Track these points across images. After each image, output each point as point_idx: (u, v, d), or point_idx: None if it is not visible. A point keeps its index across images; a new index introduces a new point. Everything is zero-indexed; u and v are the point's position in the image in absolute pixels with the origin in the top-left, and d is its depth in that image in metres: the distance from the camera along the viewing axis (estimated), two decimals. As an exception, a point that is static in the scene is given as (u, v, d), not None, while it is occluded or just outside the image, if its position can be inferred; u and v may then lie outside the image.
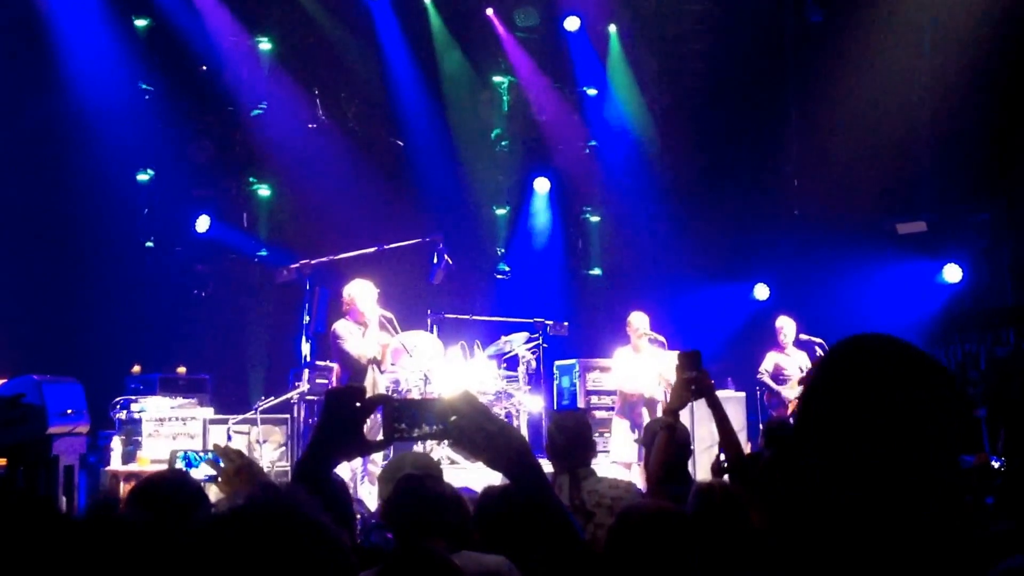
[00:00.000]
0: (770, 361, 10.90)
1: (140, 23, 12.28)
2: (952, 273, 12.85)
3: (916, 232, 12.91)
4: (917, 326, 12.19)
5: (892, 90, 12.84)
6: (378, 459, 9.08)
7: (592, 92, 14.52)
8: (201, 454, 3.18)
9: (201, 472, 3.13)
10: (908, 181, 13.20)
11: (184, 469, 3.12)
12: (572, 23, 13.91)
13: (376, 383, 8.88)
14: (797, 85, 13.83)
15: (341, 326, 8.89)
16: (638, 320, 10.16)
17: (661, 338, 10.39)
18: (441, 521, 3.38)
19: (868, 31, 12.87)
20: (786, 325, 10.95)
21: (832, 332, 11.09)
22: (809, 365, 10.75)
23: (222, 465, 3.04)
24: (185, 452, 3.17)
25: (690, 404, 4.53)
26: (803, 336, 10.92)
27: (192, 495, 3.02)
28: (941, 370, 1.57)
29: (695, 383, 4.12)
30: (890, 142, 12.80)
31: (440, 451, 9.67)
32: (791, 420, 10.24)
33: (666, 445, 4.30)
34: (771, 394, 10.84)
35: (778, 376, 10.83)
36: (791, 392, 10.71)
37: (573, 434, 4.84)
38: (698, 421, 9.72)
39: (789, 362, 10.86)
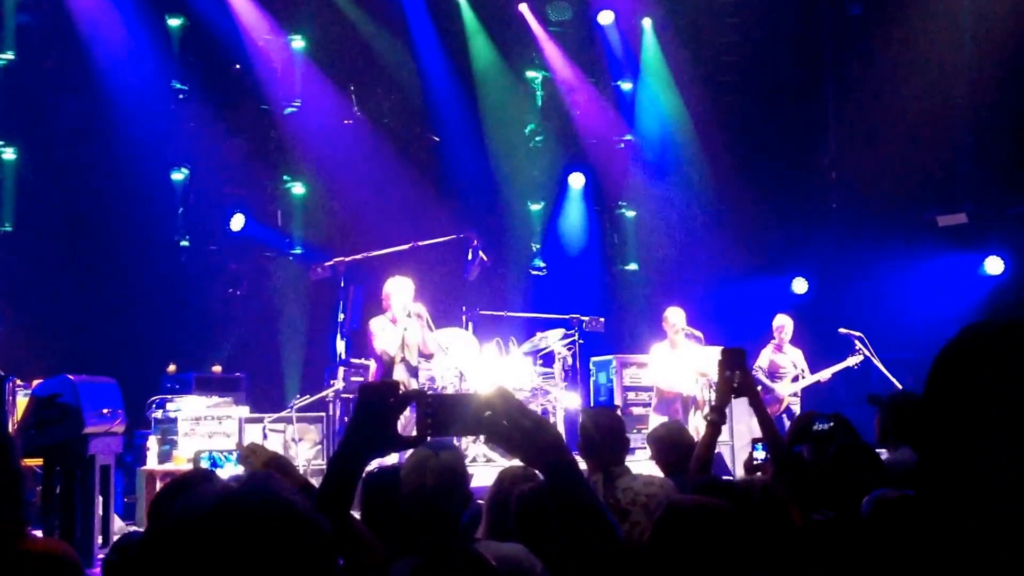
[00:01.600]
0: (765, 357, 10.86)
1: (174, 22, 12.31)
2: (994, 265, 12.62)
3: (957, 224, 12.69)
4: (959, 319, 11.93)
5: (932, 81, 12.64)
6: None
7: (627, 86, 14.40)
8: (226, 454, 3.16)
9: (227, 472, 3.10)
10: (948, 172, 12.98)
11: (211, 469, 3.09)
12: (606, 17, 13.80)
13: (411, 379, 8.83)
14: (835, 77, 13.64)
15: (375, 323, 8.87)
16: (674, 315, 10.04)
17: (698, 333, 10.26)
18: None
19: (907, 22, 12.65)
20: (786, 324, 10.87)
21: (872, 325, 10.94)
22: (803, 363, 10.73)
23: (250, 462, 3.01)
24: (210, 452, 3.15)
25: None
26: (842, 330, 10.78)
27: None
28: None
29: (737, 382, 4.04)
30: (930, 133, 12.60)
31: (476, 448, 9.61)
32: (783, 416, 10.23)
33: (710, 442, 4.27)
34: (765, 390, 10.77)
35: (774, 373, 10.79)
36: (785, 389, 10.69)
37: (607, 431, 4.77)
38: (736, 418, 9.60)
39: (784, 359, 10.82)
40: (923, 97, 12.53)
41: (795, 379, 10.76)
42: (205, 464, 3.09)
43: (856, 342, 10.52)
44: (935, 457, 1.39)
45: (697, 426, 8.87)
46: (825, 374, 10.63)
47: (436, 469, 3.03)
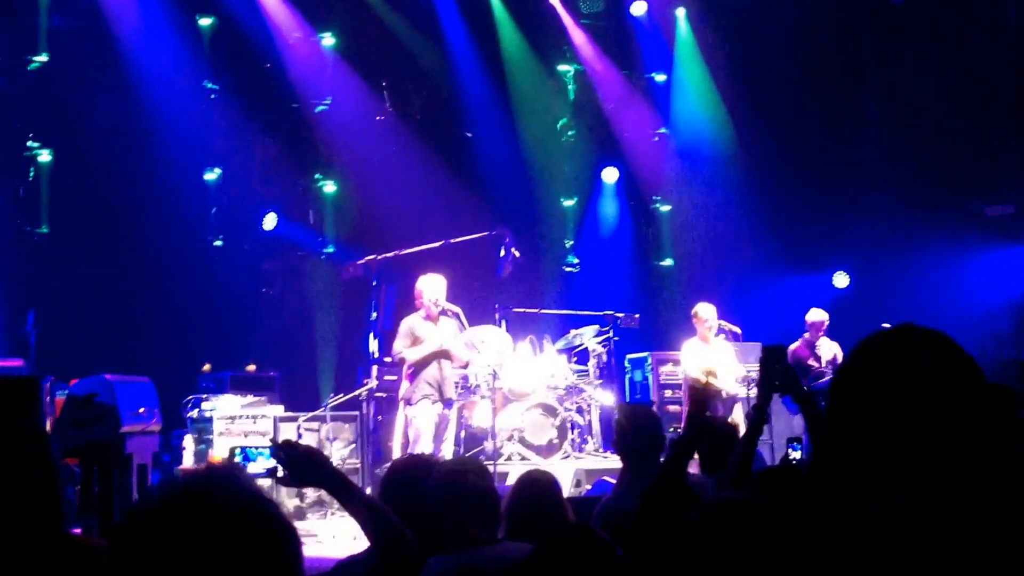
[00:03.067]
0: (791, 353, 10.64)
1: (204, 22, 12.32)
2: (1043, 257, 12.39)
3: (1004, 215, 12.47)
4: (1007, 312, 11.75)
5: (976, 69, 12.40)
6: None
7: (660, 78, 14.24)
8: (259, 449, 3.11)
9: (260, 466, 3.06)
10: (994, 163, 12.73)
11: (242, 464, 3.07)
12: (639, 8, 13.63)
13: (444, 379, 8.76)
14: (875, 66, 13.40)
15: (404, 321, 8.82)
16: (706, 311, 9.87)
17: (736, 329, 10.12)
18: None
19: (950, 11, 12.43)
20: (814, 319, 10.60)
21: (916, 320, 10.68)
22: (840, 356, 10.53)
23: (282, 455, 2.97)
24: (243, 448, 3.11)
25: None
26: (885, 325, 10.55)
27: None
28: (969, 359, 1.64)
29: (779, 380, 3.95)
30: (974, 123, 12.38)
31: (511, 447, 9.54)
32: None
33: (751, 439, 4.17)
34: None
35: (795, 368, 10.56)
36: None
37: (642, 428, 4.70)
38: (775, 415, 9.45)
39: (813, 354, 10.48)
40: (966, 86, 12.31)
41: (819, 376, 10.44)
42: (238, 459, 3.07)
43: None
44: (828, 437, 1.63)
45: (737, 425, 8.73)
46: None
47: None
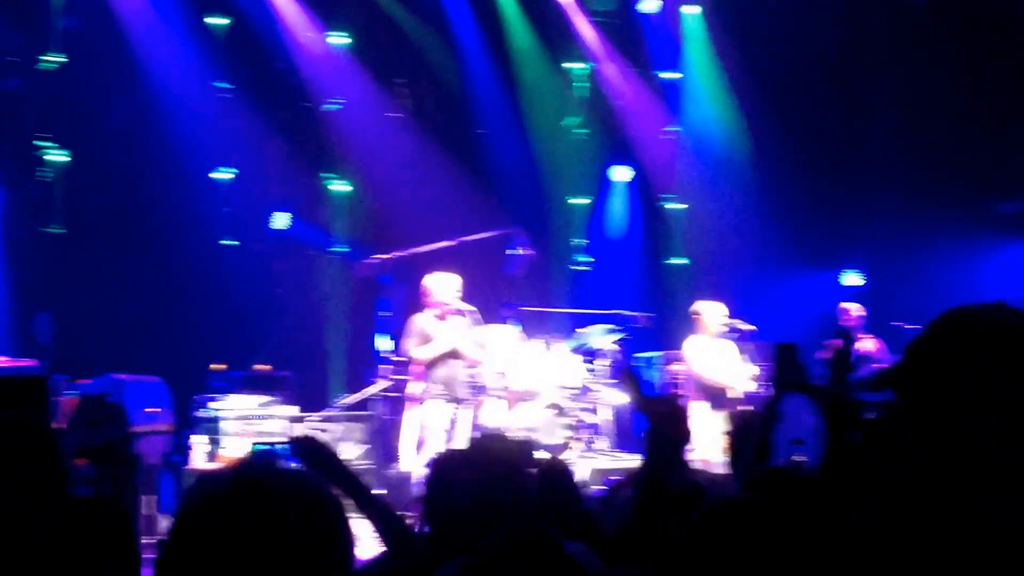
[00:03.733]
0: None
1: (217, 22, 12.35)
2: (1058, 255, 12.29)
3: (1017, 212, 12.38)
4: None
5: (988, 67, 12.30)
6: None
7: (672, 77, 14.18)
8: (274, 445, 3.13)
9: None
10: (1007, 160, 12.63)
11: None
12: (650, 5, 13.57)
13: (454, 379, 8.76)
14: (888, 64, 13.29)
15: (413, 320, 8.82)
16: (705, 309, 9.83)
17: (751, 327, 10.08)
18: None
19: (963, 9, 12.33)
20: (843, 311, 10.73)
21: (929, 317, 10.61)
22: (880, 355, 10.50)
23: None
24: (260, 444, 3.12)
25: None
26: (896, 323, 10.55)
27: None
28: None
29: (791, 377, 3.89)
30: (987, 121, 12.29)
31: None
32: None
33: (765, 436, 4.13)
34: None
35: None
36: None
37: (665, 422, 4.67)
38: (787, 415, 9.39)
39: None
40: (979, 83, 12.22)
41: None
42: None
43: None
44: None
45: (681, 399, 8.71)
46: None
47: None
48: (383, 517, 2.89)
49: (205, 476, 1.54)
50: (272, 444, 2.94)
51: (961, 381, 1.38)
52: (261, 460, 1.55)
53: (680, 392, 10.32)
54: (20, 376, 7.67)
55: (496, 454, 3.37)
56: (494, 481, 3.17)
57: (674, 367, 10.99)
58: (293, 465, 1.56)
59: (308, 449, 2.96)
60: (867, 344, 10.62)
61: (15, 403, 6.21)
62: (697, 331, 9.87)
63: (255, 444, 2.85)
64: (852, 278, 13.37)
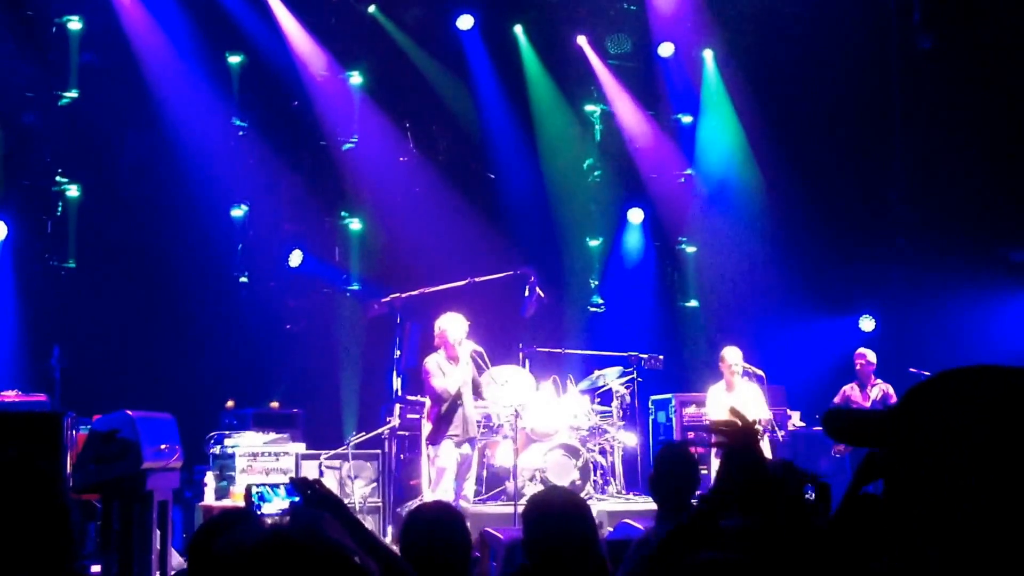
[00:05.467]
0: (841, 393, 10.65)
1: (233, 60, 12.43)
2: (1070, 304, 12.24)
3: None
4: (1034, 359, 11.57)
5: (1003, 114, 12.34)
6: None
7: (687, 119, 14.24)
8: (273, 489, 3.09)
9: (275, 506, 3.04)
10: (1021, 208, 12.63)
11: (255, 504, 3.05)
12: (666, 49, 13.65)
13: (467, 419, 8.72)
14: (902, 110, 13.34)
15: (430, 361, 8.79)
16: (731, 355, 9.80)
17: (759, 372, 10.03)
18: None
19: (978, 55, 12.38)
20: (859, 358, 10.71)
21: (943, 364, 10.53)
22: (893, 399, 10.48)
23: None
24: (260, 486, 3.09)
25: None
26: (912, 369, 10.51)
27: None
28: None
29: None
30: (1000, 167, 12.30)
31: (533, 488, 9.44)
32: (848, 456, 9.94)
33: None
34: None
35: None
36: None
37: (672, 470, 4.64)
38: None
39: (862, 395, 10.58)
40: (993, 131, 12.25)
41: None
42: (255, 500, 3.08)
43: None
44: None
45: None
46: None
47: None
48: (384, 563, 2.86)
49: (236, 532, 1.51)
50: (271, 487, 2.93)
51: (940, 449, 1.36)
52: (300, 522, 1.46)
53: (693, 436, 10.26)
54: (34, 413, 7.62)
55: (571, 497, 3.64)
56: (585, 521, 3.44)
57: (690, 410, 10.93)
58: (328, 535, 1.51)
59: (309, 489, 2.95)
60: (884, 388, 10.58)
61: (27, 439, 6.17)
62: (723, 376, 9.84)
63: (252, 487, 2.82)
64: (866, 323, 13.33)
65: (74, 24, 11.51)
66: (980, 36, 12.41)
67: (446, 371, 8.70)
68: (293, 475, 8.49)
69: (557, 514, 3.45)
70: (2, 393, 8.67)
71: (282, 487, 3.14)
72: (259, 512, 3.05)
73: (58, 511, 2.52)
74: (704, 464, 10.09)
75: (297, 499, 2.97)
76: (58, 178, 11.54)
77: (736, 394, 9.64)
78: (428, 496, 8.60)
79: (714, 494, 3.13)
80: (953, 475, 1.35)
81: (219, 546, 1.49)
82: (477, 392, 9.05)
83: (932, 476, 1.37)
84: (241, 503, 8.40)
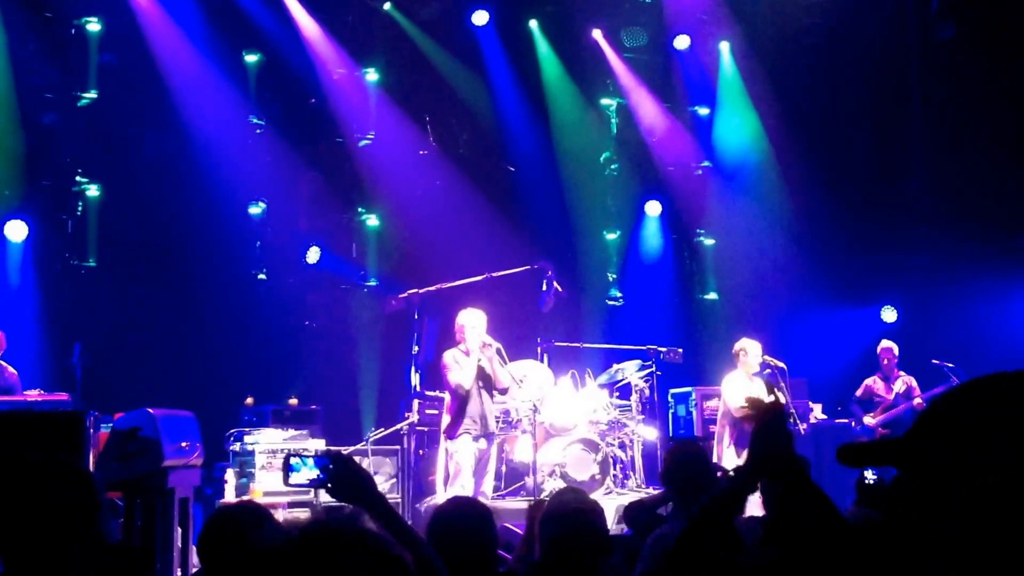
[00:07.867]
0: (863, 385, 10.60)
1: (250, 58, 12.48)
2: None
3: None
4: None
5: (1022, 103, 12.23)
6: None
7: (704, 112, 14.19)
8: (302, 460, 3.04)
9: (303, 476, 3.01)
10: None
11: (286, 473, 3.03)
12: (682, 41, 13.60)
13: (485, 413, 8.72)
14: (923, 100, 13.23)
15: (449, 355, 8.79)
16: (751, 347, 9.73)
17: (782, 364, 9.97)
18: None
19: (999, 45, 12.26)
20: (883, 350, 10.64)
21: (965, 355, 10.53)
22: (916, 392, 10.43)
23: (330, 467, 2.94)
24: (292, 455, 3.05)
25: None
26: (935, 361, 10.46)
27: (260, 521, 3.24)
28: None
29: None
30: (1021, 157, 12.18)
31: (553, 483, 9.44)
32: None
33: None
34: (856, 421, 10.56)
35: (868, 401, 10.60)
36: (871, 420, 10.45)
37: (685, 465, 4.64)
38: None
39: (885, 387, 10.54)
40: (1014, 120, 12.14)
41: (885, 409, 10.44)
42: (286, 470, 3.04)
43: (950, 375, 10.17)
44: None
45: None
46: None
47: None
48: (411, 546, 2.85)
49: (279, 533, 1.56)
50: (300, 457, 2.90)
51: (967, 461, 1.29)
52: (339, 518, 1.51)
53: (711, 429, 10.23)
54: (57, 412, 7.67)
55: (583, 498, 3.71)
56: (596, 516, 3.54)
57: (711, 403, 10.89)
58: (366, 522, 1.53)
59: (337, 463, 2.91)
60: (908, 381, 10.51)
61: (51, 439, 6.21)
62: (737, 367, 9.76)
63: (290, 454, 2.82)
64: (887, 314, 13.24)
65: (93, 25, 11.60)
66: (999, 25, 12.30)
67: (464, 365, 8.71)
68: (317, 448, 8.53)
69: (571, 514, 3.47)
70: (25, 392, 8.73)
71: (311, 458, 3.08)
72: (288, 482, 3.03)
73: (95, 515, 2.54)
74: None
75: (326, 469, 2.93)
76: (78, 178, 11.63)
77: (757, 383, 9.60)
78: (441, 492, 8.60)
79: (740, 472, 3.05)
80: (982, 495, 1.27)
81: (252, 540, 1.55)
82: (498, 388, 9.00)
83: (958, 496, 1.30)
84: (260, 500, 8.45)
